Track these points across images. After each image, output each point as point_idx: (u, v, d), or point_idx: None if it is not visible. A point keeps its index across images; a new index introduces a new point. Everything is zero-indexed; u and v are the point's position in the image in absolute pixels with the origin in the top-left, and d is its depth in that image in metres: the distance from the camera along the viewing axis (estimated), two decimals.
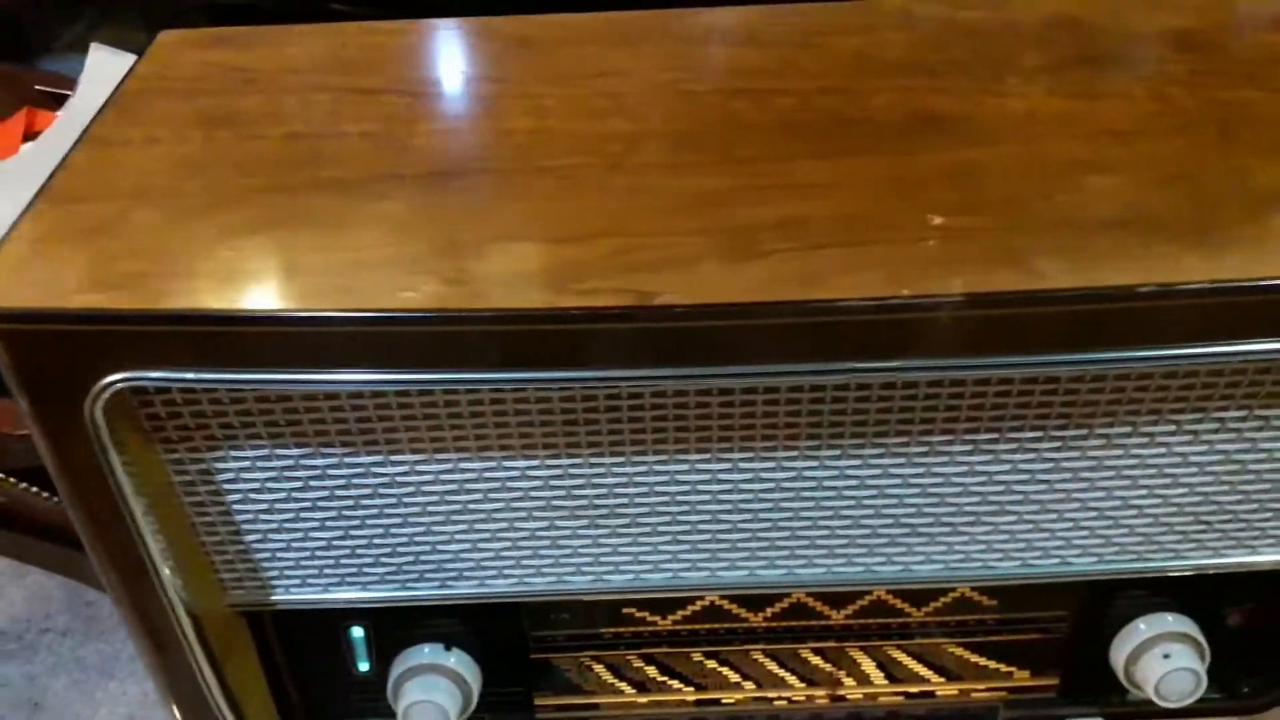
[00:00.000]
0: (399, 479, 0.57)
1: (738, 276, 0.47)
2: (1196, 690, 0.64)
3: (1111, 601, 0.66)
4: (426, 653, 0.66)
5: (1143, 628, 0.66)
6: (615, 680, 0.69)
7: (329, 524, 0.59)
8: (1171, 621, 0.66)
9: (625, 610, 0.66)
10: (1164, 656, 0.65)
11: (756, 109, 0.57)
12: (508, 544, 0.60)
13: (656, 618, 0.67)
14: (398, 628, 0.66)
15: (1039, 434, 0.56)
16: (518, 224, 0.50)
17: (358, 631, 0.67)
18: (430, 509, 0.58)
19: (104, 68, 1.28)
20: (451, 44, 0.63)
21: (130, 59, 1.21)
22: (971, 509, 0.59)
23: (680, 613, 0.67)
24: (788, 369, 0.48)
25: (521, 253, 0.49)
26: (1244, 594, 0.66)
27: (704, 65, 0.61)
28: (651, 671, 0.69)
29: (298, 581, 0.62)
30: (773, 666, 0.69)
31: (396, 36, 0.64)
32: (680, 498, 0.58)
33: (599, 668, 0.69)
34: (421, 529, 0.59)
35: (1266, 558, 0.62)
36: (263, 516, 0.58)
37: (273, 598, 0.63)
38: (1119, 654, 0.67)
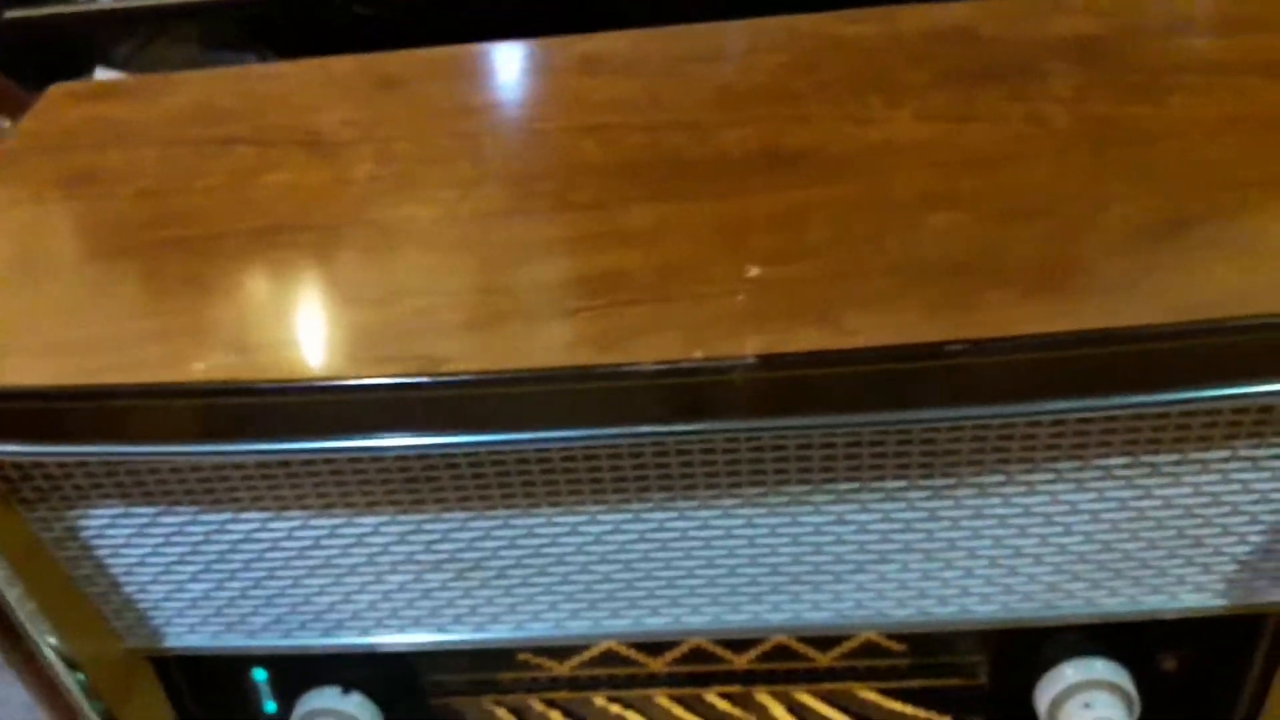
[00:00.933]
0: (254, 535, 0.56)
1: (538, 338, 0.46)
2: None
3: (1030, 647, 0.62)
4: (325, 696, 0.66)
5: (1068, 673, 0.62)
6: None
7: (201, 576, 0.59)
8: (1097, 668, 0.61)
9: (521, 656, 0.65)
10: (1084, 705, 0.61)
11: (604, 148, 0.55)
12: (379, 596, 0.59)
13: (554, 663, 0.65)
14: (298, 670, 0.66)
15: (904, 482, 0.52)
16: (329, 284, 0.49)
17: (261, 673, 0.67)
18: (292, 563, 0.58)
19: None
20: (316, 86, 0.61)
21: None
22: (851, 557, 0.56)
23: (578, 658, 0.65)
24: (581, 433, 0.46)
25: (325, 317, 0.47)
26: (1178, 640, 0.62)
27: (564, 99, 0.58)
28: (555, 716, 0.67)
29: (187, 628, 0.62)
30: (679, 711, 0.67)
31: (267, 82, 0.63)
32: (544, 550, 0.56)
33: (501, 711, 0.67)
34: (289, 581, 0.59)
35: (1187, 603, 0.58)
36: (136, 569, 0.59)
37: (166, 644, 0.63)
38: (1042, 702, 0.62)
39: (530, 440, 0.47)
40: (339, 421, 0.46)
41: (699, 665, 0.65)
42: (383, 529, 0.56)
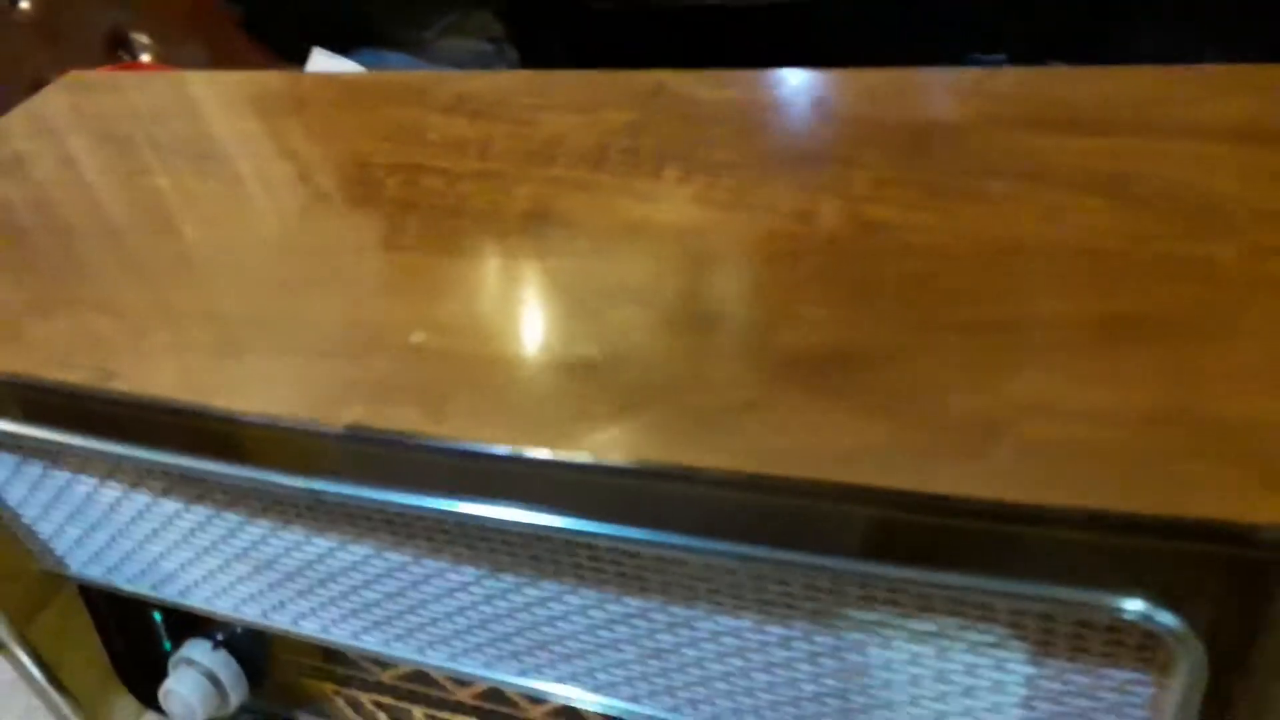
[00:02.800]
0: (94, 495, 0.63)
1: (190, 372, 0.48)
2: None
3: None
4: (198, 646, 0.72)
5: None
6: (355, 717, 0.71)
7: (74, 519, 0.66)
8: None
9: (351, 656, 0.68)
10: None
11: (403, 190, 0.56)
12: (214, 569, 0.64)
13: (378, 668, 0.68)
14: (185, 618, 0.73)
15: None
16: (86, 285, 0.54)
17: (157, 615, 0.75)
18: (131, 527, 0.64)
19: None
20: (238, 105, 0.66)
21: (348, 65, 1.35)
22: (626, 645, 0.54)
23: (395, 670, 0.67)
24: (200, 465, 0.48)
25: (53, 315, 0.53)
26: None
27: (405, 136, 0.59)
28: (382, 718, 0.70)
29: (83, 562, 0.70)
30: None
31: (210, 87, 0.68)
32: (348, 571, 0.58)
33: (340, 701, 0.71)
34: (141, 539, 0.65)
35: None
36: (22, 505, 0.67)
37: (69, 572, 0.71)
38: None
39: (177, 465, 0.50)
40: (46, 415, 0.51)
41: (500, 706, 0.65)
42: (190, 509, 0.60)
